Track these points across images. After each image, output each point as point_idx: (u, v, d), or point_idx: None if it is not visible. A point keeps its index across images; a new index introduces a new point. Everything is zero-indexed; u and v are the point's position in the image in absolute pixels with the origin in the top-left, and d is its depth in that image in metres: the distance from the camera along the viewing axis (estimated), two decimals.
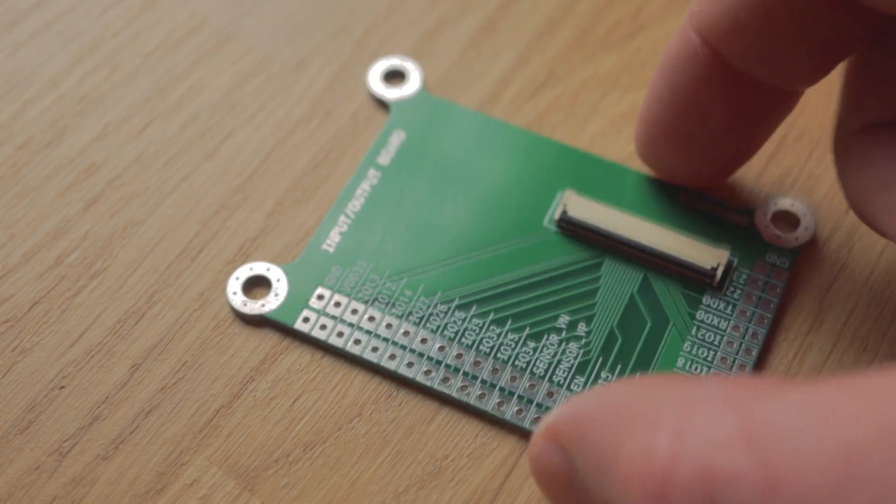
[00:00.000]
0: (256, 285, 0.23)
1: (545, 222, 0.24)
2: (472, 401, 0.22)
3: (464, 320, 0.23)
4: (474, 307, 0.23)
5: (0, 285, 0.24)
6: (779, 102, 0.21)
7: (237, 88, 0.27)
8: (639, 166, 0.25)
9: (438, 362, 0.22)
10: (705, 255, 0.23)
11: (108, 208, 0.25)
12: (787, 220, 0.24)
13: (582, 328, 0.22)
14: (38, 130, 0.26)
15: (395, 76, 0.27)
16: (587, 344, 0.22)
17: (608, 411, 0.15)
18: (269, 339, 0.23)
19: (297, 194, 0.25)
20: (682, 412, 0.13)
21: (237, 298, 0.23)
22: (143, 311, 0.23)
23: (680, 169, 0.24)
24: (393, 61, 0.27)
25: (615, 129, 0.26)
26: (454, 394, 0.22)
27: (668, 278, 0.23)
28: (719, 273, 0.23)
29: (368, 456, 0.21)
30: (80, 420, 0.22)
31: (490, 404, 0.22)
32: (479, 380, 0.22)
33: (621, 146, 0.25)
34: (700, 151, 0.23)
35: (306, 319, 0.23)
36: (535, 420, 0.21)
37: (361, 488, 0.21)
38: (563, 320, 0.23)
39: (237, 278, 0.23)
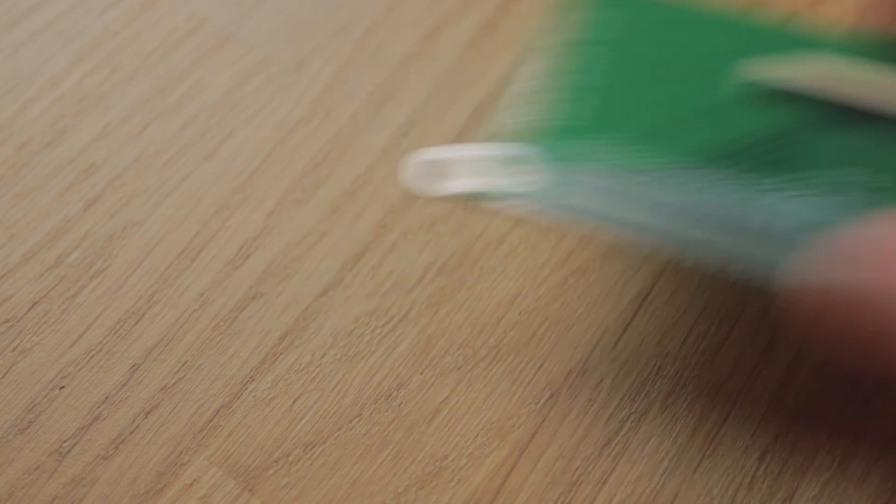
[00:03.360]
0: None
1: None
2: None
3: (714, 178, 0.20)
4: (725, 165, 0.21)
5: (0, 285, 0.24)
6: None
7: (237, 88, 0.27)
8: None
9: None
10: None
11: (108, 208, 0.25)
12: None
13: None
14: (38, 130, 0.26)
15: None
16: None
17: None
18: (270, 338, 0.23)
19: (297, 194, 0.25)
20: None
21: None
22: (143, 311, 0.23)
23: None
24: None
25: None
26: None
27: None
28: None
29: (368, 456, 0.21)
30: (80, 420, 0.22)
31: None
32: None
33: None
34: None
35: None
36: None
37: (361, 488, 0.21)
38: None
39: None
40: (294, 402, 0.22)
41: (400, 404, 0.22)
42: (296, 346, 0.23)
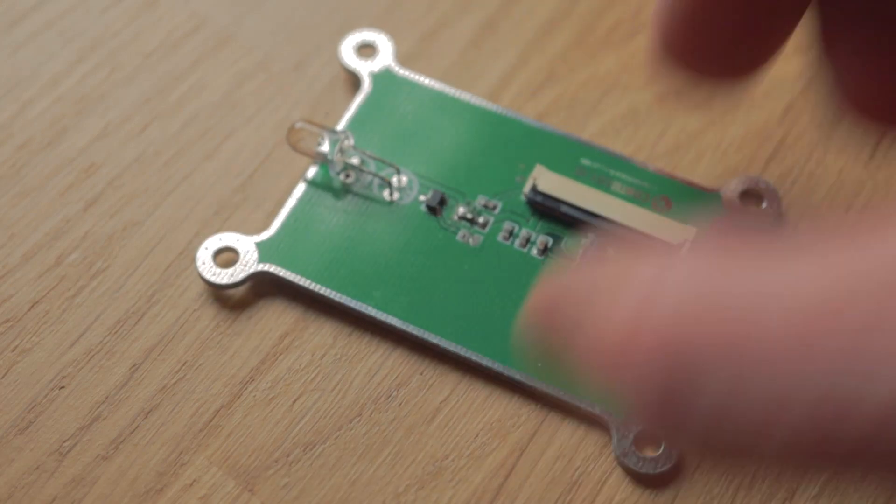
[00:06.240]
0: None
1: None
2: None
3: None
4: None
5: (0, 285, 0.24)
6: None
7: (237, 88, 0.27)
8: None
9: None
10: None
11: (108, 208, 0.25)
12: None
13: None
14: (38, 130, 0.26)
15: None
16: None
17: (581, 284, 0.15)
18: (270, 338, 0.23)
19: None
20: (652, 281, 0.13)
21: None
22: (143, 311, 0.23)
23: (701, 60, 0.22)
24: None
25: (615, 129, 0.26)
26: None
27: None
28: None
29: (368, 456, 0.21)
30: (80, 420, 0.22)
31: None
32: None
33: (621, 146, 0.25)
34: (720, 36, 0.21)
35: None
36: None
37: (361, 488, 0.21)
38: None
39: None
40: (294, 402, 0.22)
41: (400, 404, 0.22)
42: (296, 346, 0.23)
